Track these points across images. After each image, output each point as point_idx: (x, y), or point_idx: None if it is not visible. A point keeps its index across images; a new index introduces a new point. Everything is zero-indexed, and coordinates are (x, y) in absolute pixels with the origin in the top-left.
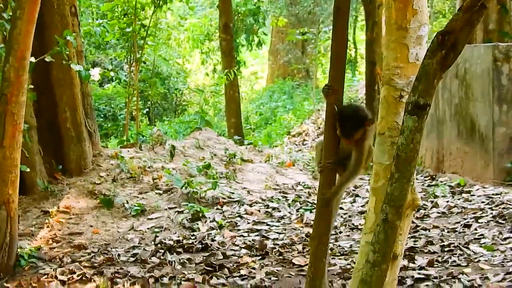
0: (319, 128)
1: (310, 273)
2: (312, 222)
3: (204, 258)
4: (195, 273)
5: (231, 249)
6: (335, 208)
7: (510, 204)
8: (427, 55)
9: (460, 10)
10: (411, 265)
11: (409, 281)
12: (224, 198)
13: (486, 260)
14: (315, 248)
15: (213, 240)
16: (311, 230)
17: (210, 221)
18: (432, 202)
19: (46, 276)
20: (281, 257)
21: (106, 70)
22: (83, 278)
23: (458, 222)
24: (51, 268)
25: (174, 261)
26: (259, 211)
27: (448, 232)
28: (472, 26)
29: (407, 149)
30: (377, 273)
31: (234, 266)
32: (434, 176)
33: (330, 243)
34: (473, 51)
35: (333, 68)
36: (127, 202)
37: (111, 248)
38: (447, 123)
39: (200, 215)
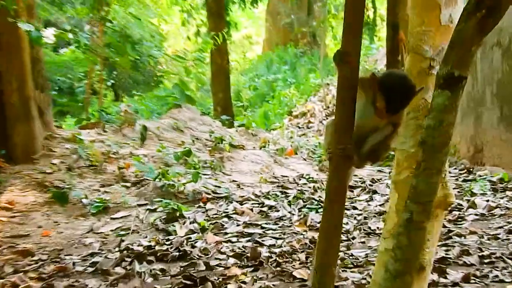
0: (328, 107)
1: (316, 282)
2: (318, 225)
3: (182, 268)
4: (170, 287)
5: (216, 258)
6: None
7: None
8: (462, 17)
9: None
10: (442, 280)
11: None
12: (208, 194)
13: None
14: (323, 252)
15: (193, 246)
16: (316, 235)
17: (190, 222)
18: (468, 201)
19: None
20: (278, 268)
21: (63, 31)
22: None
23: (501, 227)
24: None
25: (144, 272)
26: (251, 210)
27: (488, 239)
28: None
29: (436, 132)
30: (399, 286)
31: (220, 279)
32: (471, 169)
33: (341, 251)
34: None
35: (348, 31)
36: (86, 197)
37: (65, 255)
38: (487, 105)
39: (178, 214)
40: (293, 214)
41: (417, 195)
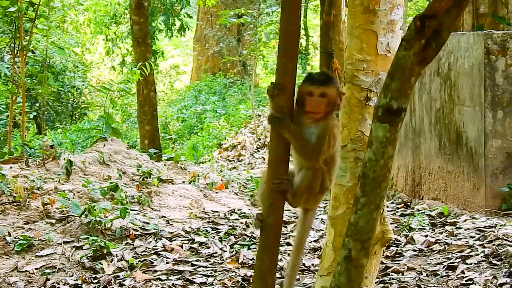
0: (260, 139)
1: None
2: (250, 262)
3: None
4: None
5: None
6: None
7: (506, 240)
8: (402, 45)
9: None
10: None
11: None
12: (136, 230)
13: None
14: None
15: (121, 284)
16: (249, 272)
17: (118, 260)
18: (406, 236)
19: None
20: None
21: None
22: None
23: (440, 263)
24: None
25: None
26: (181, 246)
27: (427, 275)
28: (460, 8)
29: (376, 166)
30: None
31: None
32: (409, 203)
33: None
34: (459, 41)
35: (282, 60)
36: (9, 235)
37: None
38: (426, 135)
39: (105, 251)
40: (225, 251)
41: (356, 232)
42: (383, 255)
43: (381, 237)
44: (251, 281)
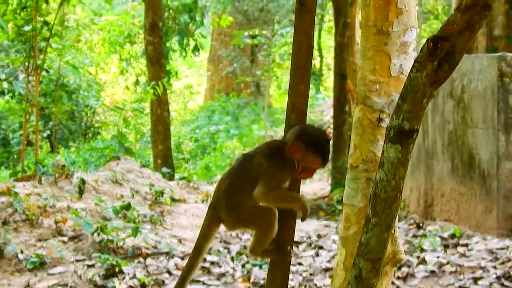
0: None
1: None
2: (262, 281)
3: None
4: None
5: None
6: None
7: None
8: (415, 67)
9: (457, 10)
10: None
11: None
12: (148, 249)
13: None
14: None
15: None
16: None
17: (130, 278)
18: (418, 257)
19: None
20: None
21: None
22: None
23: (452, 284)
24: None
25: None
26: None
27: None
28: (473, 30)
29: (387, 186)
30: None
31: None
32: (421, 225)
33: None
34: (473, 64)
35: (295, 81)
36: (22, 252)
37: None
38: (438, 156)
39: (117, 270)
40: (236, 270)
41: (366, 252)
42: (394, 276)
43: (392, 257)
44: None
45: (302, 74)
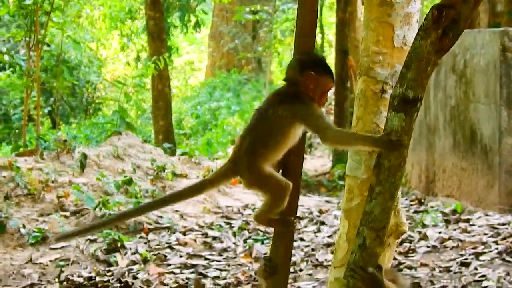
0: None
1: None
2: (263, 256)
3: None
4: None
5: None
6: None
7: None
8: (419, 35)
9: None
10: None
11: None
12: (149, 224)
13: None
14: (272, 281)
15: (135, 277)
16: None
17: (132, 253)
18: (420, 233)
19: None
20: None
21: None
22: None
23: (454, 259)
24: None
25: None
26: (195, 241)
27: (440, 272)
28: None
29: (391, 155)
30: None
31: None
32: (422, 200)
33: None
34: (475, 38)
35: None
36: (24, 227)
37: (3, 286)
38: (440, 132)
39: (119, 245)
40: (238, 246)
41: (370, 221)
42: (396, 251)
43: (395, 229)
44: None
45: (306, 47)
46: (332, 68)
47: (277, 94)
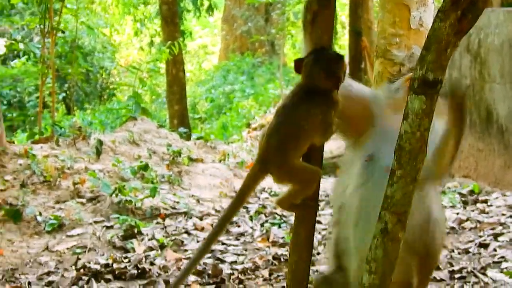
0: None
1: None
2: (281, 240)
3: (141, 287)
4: None
5: (176, 276)
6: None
7: None
8: (438, 16)
9: None
10: None
11: None
12: (166, 209)
13: None
14: (294, 266)
15: (152, 263)
16: (279, 251)
17: (149, 239)
18: None
19: None
20: (241, 285)
21: (14, 41)
22: None
23: (472, 241)
24: None
25: None
26: (212, 225)
27: (459, 253)
28: None
29: (412, 138)
30: None
31: None
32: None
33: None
34: (489, 18)
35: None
36: (40, 214)
37: (20, 275)
38: None
39: (135, 231)
40: (255, 230)
41: (392, 205)
42: None
43: None
44: (288, 255)
45: (324, 26)
46: (346, 49)
47: (303, 90)
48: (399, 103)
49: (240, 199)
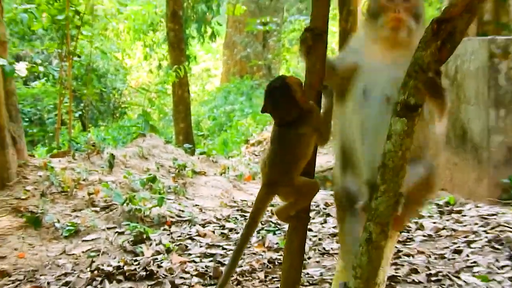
0: None
1: None
2: (275, 246)
3: (149, 287)
4: None
5: (181, 277)
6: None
7: (507, 227)
8: (420, 47)
9: None
10: None
11: None
12: (172, 217)
13: None
14: (288, 269)
15: (159, 266)
16: (274, 255)
17: (156, 244)
18: (416, 223)
19: None
20: (239, 286)
21: (34, 64)
22: None
23: (447, 247)
24: None
25: None
26: (213, 232)
27: (435, 258)
28: (472, 13)
29: (395, 157)
30: None
31: None
32: None
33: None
34: (465, 46)
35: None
36: (58, 221)
37: (40, 276)
38: None
39: (144, 236)
40: (252, 236)
41: (376, 217)
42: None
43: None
44: (282, 260)
45: (317, 56)
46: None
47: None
48: (384, 40)
49: (254, 221)
